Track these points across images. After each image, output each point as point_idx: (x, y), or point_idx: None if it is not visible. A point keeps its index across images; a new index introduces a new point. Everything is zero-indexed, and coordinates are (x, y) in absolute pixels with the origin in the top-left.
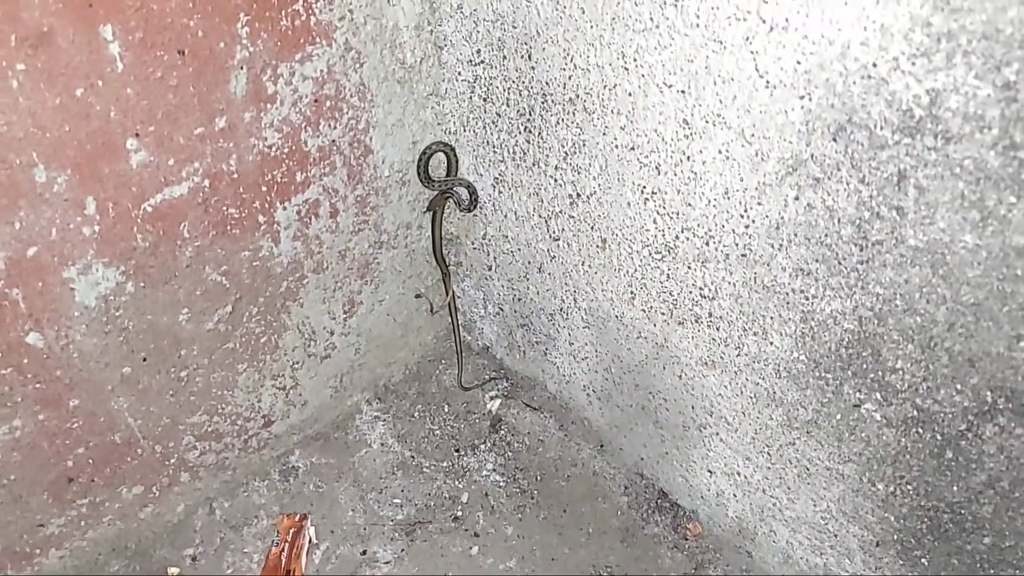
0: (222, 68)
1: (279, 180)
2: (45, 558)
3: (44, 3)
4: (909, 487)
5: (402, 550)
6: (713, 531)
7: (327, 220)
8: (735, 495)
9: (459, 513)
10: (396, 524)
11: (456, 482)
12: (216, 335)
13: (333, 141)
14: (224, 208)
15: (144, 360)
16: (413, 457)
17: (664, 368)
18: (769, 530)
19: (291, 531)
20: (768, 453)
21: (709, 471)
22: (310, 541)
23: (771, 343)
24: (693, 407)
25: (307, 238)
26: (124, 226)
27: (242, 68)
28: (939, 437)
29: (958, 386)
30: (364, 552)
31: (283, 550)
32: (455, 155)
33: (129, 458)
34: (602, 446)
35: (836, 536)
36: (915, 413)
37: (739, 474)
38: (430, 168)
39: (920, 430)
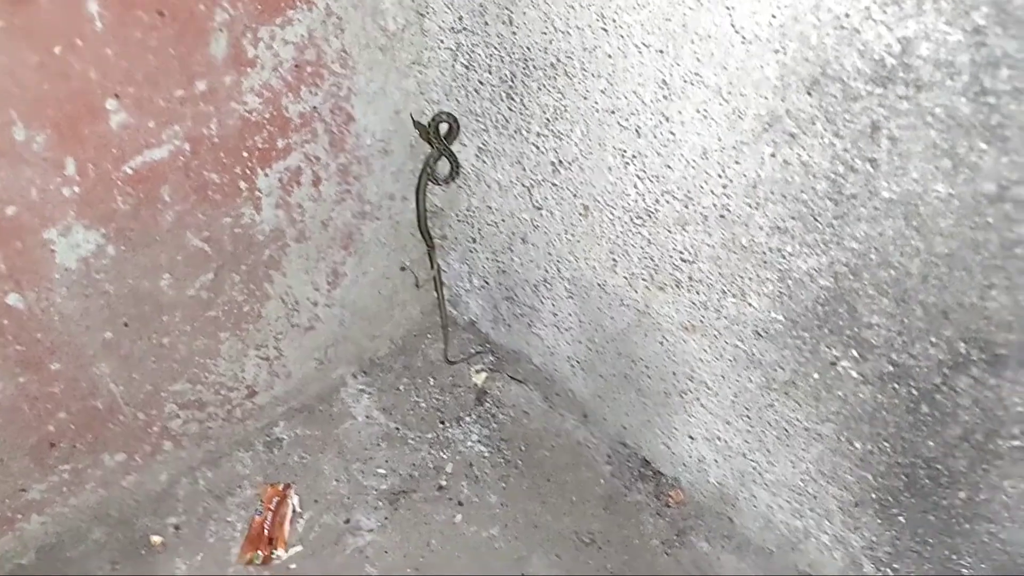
0: (202, 30)
1: (260, 146)
2: (27, 523)
3: None
4: (886, 444)
5: (385, 518)
6: (695, 497)
7: (309, 188)
8: (716, 460)
9: (443, 482)
10: (380, 493)
11: (441, 453)
12: (198, 302)
13: (314, 108)
14: (205, 173)
15: (126, 325)
16: (398, 429)
17: (646, 335)
18: (750, 495)
19: (274, 500)
20: (748, 416)
21: (690, 437)
22: (293, 510)
23: (749, 304)
24: (674, 373)
25: (289, 206)
26: (104, 188)
27: (222, 31)
28: (914, 392)
29: (932, 339)
30: (347, 520)
31: (266, 519)
32: (457, 126)
33: (111, 424)
34: (586, 416)
35: (815, 498)
36: (891, 368)
37: (720, 439)
38: (440, 132)
39: (896, 385)
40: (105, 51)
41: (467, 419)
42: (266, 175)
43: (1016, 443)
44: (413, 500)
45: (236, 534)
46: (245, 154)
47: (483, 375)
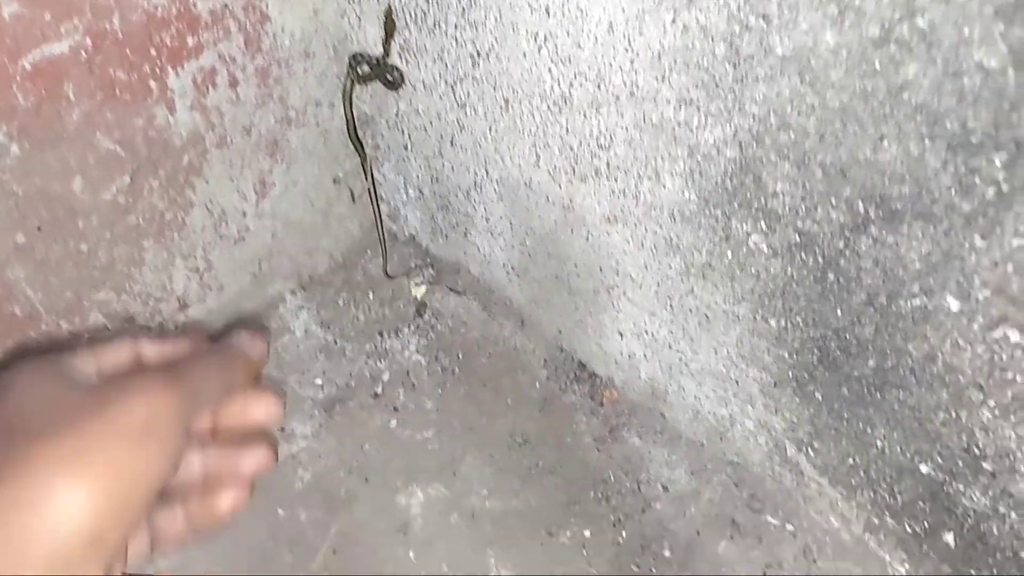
0: None
1: (169, 44)
2: None
3: None
4: (798, 318)
5: (320, 426)
6: (628, 395)
7: (226, 90)
8: (645, 355)
9: (379, 391)
10: (316, 403)
11: (378, 363)
12: (115, 207)
13: (225, 5)
14: (111, 70)
15: (39, 229)
16: (336, 342)
17: (572, 231)
18: (678, 387)
19: None
20: (671, 305)
21: (620, 333)
22: None
23: (664, 186)
24: (601, 268)
25: (206, 109)
26: (3, 83)
27: None
28: (820, 260)
29: (833, 200)
30: (283, 429)
31: None
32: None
33: (32, 332)
34: (523, 323)
35: (738, 383)
36: (797, 238)
37: (647, 332)
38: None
39: (803, 255)
40: None
41: (406, 331)
42: (178, 75)
43: (916, 302)
44: (348, 408)
45: None
46: (153, 52)
47: (423, 288)
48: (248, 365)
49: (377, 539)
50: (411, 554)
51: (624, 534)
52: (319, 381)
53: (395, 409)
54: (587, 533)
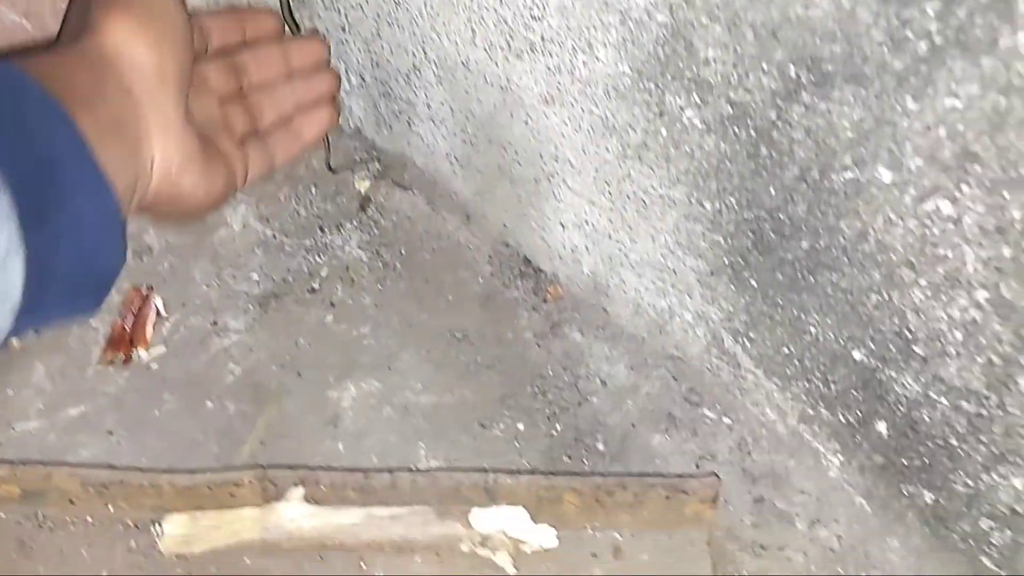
0: None
1: None
2: None
3: None
4: (732, 199)
5: (254, 320)
6: (572, 291)
7: None
8: (587, 247)
9: (316, 286)
10: (251, 297)
11: (317, 258)
12: None
13: None
14: None
15: None
16: (275, 236)
17: (511, 115)
18: (619, 280)
19: (136, 303)
20: (609, 192)
21: (562, 224)
22: (157, 313)
23: (598, 59)
24: (541, 154)
25: None
26: None
27: None
28: (753, 133)
29: (764, 66)
30: (215, 323)
31: (127, 321)
32: None
33: None
34: (468, 217)
35: (676, 273)
36: (730, 110)
37: (587, 223)
38: None
39: (736, 128)
40: None
41: (348, 226)
42: None
43: (848, 175)
44: (284, 303)
45: (99, 338)
46: None
47: (367, 183)
48: None
49: (306, 431)
50: (340, 446)
51: (558, 427)
52: (255, 276)
53: (332, 304)
54: (520, 426)
